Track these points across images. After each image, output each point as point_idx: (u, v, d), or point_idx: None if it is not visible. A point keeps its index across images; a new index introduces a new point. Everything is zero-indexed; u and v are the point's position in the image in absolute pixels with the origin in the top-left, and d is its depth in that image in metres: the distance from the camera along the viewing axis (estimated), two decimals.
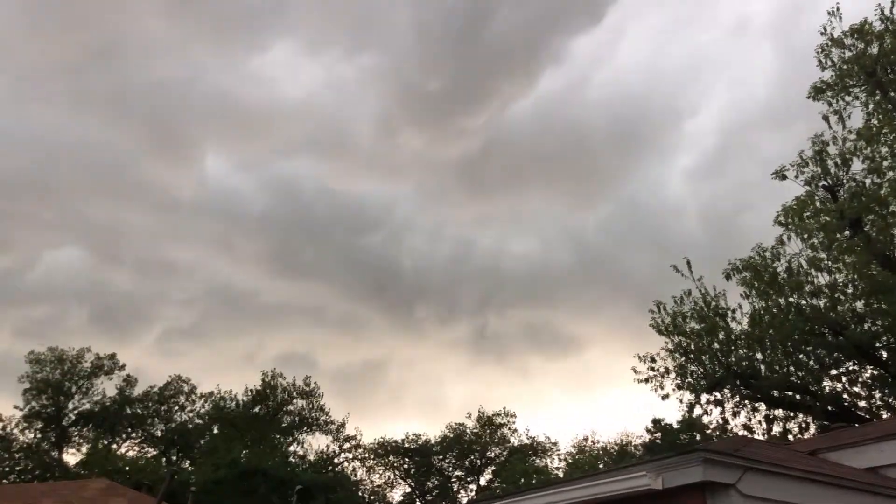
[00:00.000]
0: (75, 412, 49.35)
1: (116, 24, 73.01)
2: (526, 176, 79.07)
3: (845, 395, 23.65)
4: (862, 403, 23.57)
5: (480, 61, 78.00)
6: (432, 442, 53.58)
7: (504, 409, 54.79)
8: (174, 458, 50.90)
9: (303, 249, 79.25)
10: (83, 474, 42.21)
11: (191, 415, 51.80)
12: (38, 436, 48.01)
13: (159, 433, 51.06)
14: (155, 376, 77.87)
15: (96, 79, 75.06)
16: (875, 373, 23.31)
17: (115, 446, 49.83)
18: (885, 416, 22.37)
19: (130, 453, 49.89)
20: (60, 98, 74.75)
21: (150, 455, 50.26)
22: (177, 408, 51.70)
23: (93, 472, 41.33)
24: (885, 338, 22.86)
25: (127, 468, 44.39)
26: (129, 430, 50.86)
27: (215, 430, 50.60)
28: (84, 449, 48.67)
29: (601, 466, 44.30)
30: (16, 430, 47.20)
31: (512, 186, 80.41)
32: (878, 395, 23.51)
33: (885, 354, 22.95)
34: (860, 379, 23.64)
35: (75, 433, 49.50)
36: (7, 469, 45.10)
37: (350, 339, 76.40)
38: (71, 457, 48.65)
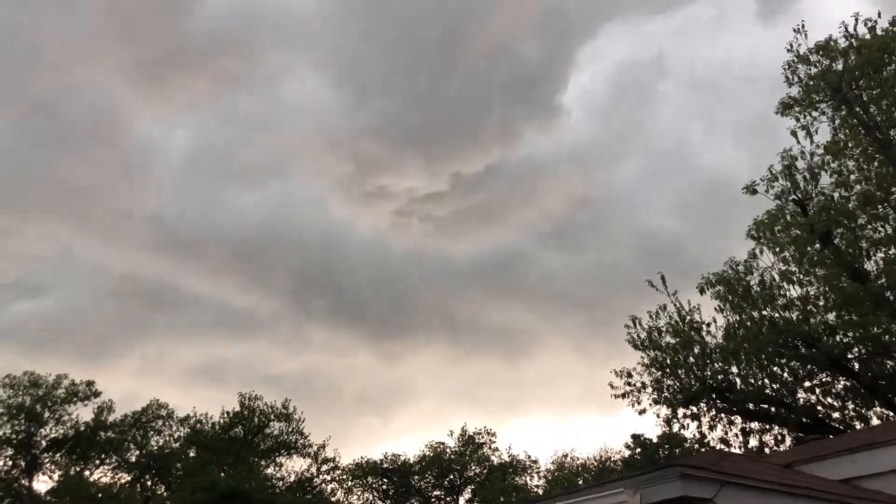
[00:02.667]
0: (47, 438, 48.34)
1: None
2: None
3: (819, 407, 23.87)
4: (836, 415, 23.81)
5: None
6: (411, 461, 53.23)
7: (485, 427, 54.70)
8: (149, 483, 50.03)
9: (278, 271, 79.02)
10: (54, 502, 41.35)
11: (167, 439, 50.99)
12: (9, 463, 46.93)
13: (134, 459, 50.15)
14: (133, 400, 77.21)
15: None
16: (848, 384, 23.57)
17: (87, 473, 48.88)
18: (858, 427, 22.61)
19: (104, 480, 48.96)
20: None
21: (124, 481, 49.34)
22: (153, 432, 50.86)
23: (64, 499, 40.51)
24: (856, 349, 23.15)
25: (100, 495, 43.58)
26: (103, 456, 49.90)
27: (192, 455, 49.83)
28: (56, 476, 47.67)
29: (580, 483, 44.27)
30: None
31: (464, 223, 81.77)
32: (851, 406, 23.76)
33: (857, 366, 23.23)
34: (833, 390, 23.88)
35: (47, 460, 48.46)
36: None
37: (327, 358, 76.22)
38: (42, 484, 47.64)
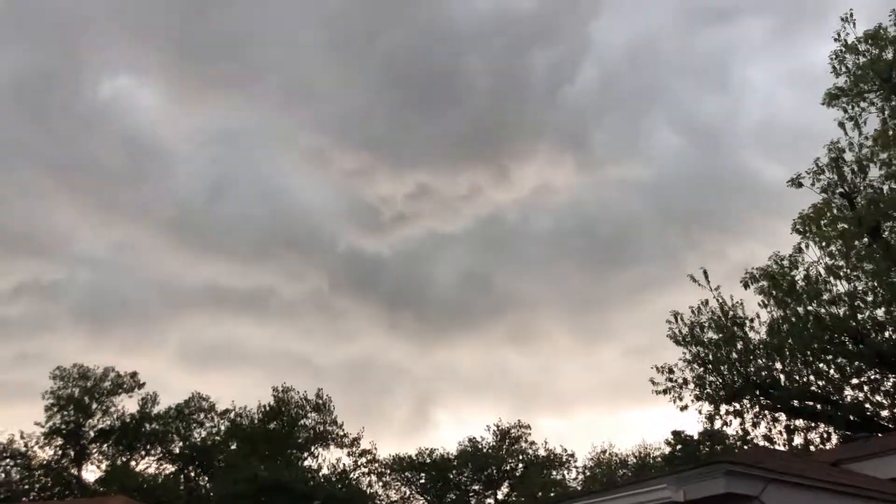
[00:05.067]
0: (95, 429, 49.59)
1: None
2: None
3: (867, 405, 23.35)
4: (885, 413, 23.26)
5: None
6: (449, 456, 53.40)
7: (518, 420, 54.66)
8: (192, 474, 50.98)
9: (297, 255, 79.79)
10: (102, 491, 42.39)
11: (209, 431, 51.84)
12: (59, 452, 48.24)
13: (178, 450, 51.15)
14: (172, 390, 78.98)
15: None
16: None
17: (133, 463, 49.99)
18: None
19: (149, 470, 50.03)
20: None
21: (168, 472, 50.35)
22: (195, 424, 51.75)
23: (112, 489, 41.49)
24: None
25: (146, 485, 44.52)
26: (148, 447, 51.01)
27: (232, 447, 50.62)
28: (103, 466, 48.87)
29: (620, 479, 43.96)
30: (36, 447, 47.49)
31: None
32: None
33: None
34: (882, 388, 23.34)
35: (94, 450, 49.72)
36: (27, 487, 45.31)
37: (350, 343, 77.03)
38: (90, 474, 48.89)
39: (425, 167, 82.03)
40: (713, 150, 73.40)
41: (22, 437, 47.16)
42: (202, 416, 52.01)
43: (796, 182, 24.22)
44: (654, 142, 74.72)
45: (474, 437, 53.91)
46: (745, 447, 24.79)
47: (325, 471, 50.13)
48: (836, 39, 24.08)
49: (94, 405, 49.44)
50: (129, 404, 50.56)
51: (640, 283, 71.81)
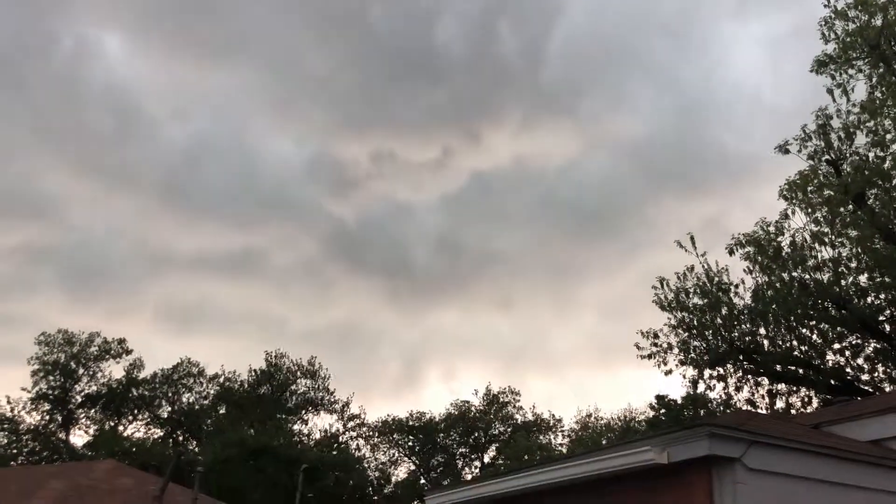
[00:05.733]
0: (82, 394, 49.65)
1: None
2: None
3: (848, 369, 23.68)
4: (865, 377, 23.62)
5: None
6: (436, 419, 53.94)
7: (509, 386, 55.22)
8: (181, 438, 51.26)
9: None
10: (90, 456, 42.57)
11: (197, 396, 52.03)
12: (46, 418, 48.31)
13: (165, 415, 51.36)
14: (158, 354, 78.72)
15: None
16: (878, 346, 23.33)
17: (121, 428, 50.18)
18: (888, 390, 22.44)
19: (137, 435, 50.26)
20: None
21: (156, 436, 50.60)
22: (184, 389, 51.91)
23: (100, 453, 41.66)
24: (888, 311, 22.86)
25: (134, 449, 44.74)
26: (136, 411, 51.17)
27: (221, 411, 50.88)
28: (91, 431, 49.03)
29: (605, 442, 44.58)
30: (23, 412, 47.52)
31: None
32: (881, 368, 23.55)
33: (888, 328, 22.97)
34: (863, 353, 23.66)
35: (82, 415, 49.84)
36: (15, 451, 45.45)
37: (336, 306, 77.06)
38: (78, 438, 49.08)
39: (404, 132, 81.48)
40: (692, 115, 73.49)
41: (8, 403, 47.24)
42: (191, 380, 52.18)
43: (783, 148, 24.23)
44: (631, 106, 74.58)
45: (462, 401, 54.49)
46: (728, 411, 25.15)
47: (316, 436, 50.66)
48: (825, 5, 23.95)
49: (81, 370, 49.43)
50: (115, 370, 50.65)
51: (619, 248, 72.37)
